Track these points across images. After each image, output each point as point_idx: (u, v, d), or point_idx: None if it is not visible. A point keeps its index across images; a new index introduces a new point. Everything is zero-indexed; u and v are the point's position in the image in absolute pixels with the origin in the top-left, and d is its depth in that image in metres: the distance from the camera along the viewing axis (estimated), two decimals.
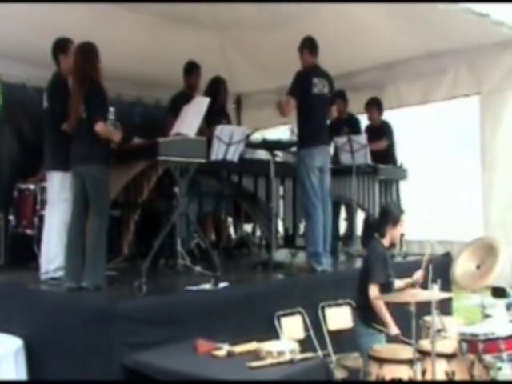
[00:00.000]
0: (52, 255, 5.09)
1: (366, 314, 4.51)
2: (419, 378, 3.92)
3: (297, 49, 5.92)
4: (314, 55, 5.88)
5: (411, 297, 3.97)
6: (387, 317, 4.34)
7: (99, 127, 4.67)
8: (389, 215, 4.72)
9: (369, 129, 7.46)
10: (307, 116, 5.80)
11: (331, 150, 7.51)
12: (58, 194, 5.17)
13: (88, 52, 4.82)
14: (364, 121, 7.65)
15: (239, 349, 3.70)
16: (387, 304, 4.39)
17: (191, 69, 6.72)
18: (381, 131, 7.32)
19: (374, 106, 7.45)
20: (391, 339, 4.35)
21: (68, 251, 4.81)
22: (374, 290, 4.41)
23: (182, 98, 6.42)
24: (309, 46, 5.87)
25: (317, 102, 5.79)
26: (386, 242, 4.69)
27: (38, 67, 6.67)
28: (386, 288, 4.47)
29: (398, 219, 4.68)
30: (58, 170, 5.15)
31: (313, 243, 5.73)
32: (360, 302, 4.65)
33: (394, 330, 4.31)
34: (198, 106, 5.23)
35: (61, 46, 5.29)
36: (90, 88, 4.73)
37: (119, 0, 6.12)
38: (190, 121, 5.13)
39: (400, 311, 4.31)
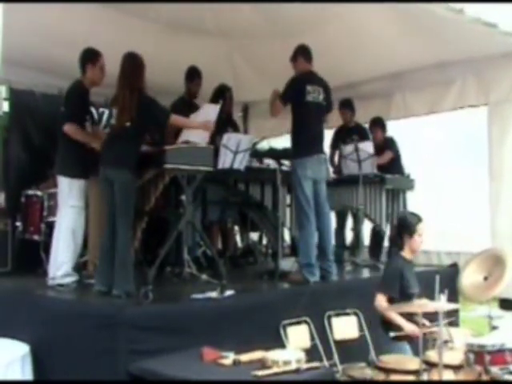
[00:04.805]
0: (59, 261, 5.10)
1: (383, 324, 4.46)
2: None
3: (289, 58, 5.81)
4: (310, 62, 5.77)
5: (418, 307, 3.96)
6: (398, 319, 4.25)
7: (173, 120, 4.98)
8: (403, 226, 4.61)
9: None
10: (300, 124, 5.64)
11: (336, 158, 7.54)
12: (65, 200, 5.18)
13: (137, 62, 4.91)
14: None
15: (245, 357, 3.70)
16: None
17: (192, 75, 6.70)
18: (384, 147, 7.26)
19: (379, 126, 7.39)
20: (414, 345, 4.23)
21: (101, 255, 4.83)
22: (378, 299, 4.36)
23: (183, 104, 6.45)
24: (304, 53, 5.76)
25: (310, 110, 5.63)
26: (406, 254, 4.59)
27: (46, 74, 6.73)
28: (406, 300, 4.31)
29: (413, 229, 4.54)
30: (66, 175, 5.18)
31: (305, 254, 5.56)
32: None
33: (408, 327, 4.20)
34: (206, 115, 5.20)
35: (91, 57, 5.27)
36: (141, 98, 4.76)
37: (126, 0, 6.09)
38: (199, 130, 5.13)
39: None
